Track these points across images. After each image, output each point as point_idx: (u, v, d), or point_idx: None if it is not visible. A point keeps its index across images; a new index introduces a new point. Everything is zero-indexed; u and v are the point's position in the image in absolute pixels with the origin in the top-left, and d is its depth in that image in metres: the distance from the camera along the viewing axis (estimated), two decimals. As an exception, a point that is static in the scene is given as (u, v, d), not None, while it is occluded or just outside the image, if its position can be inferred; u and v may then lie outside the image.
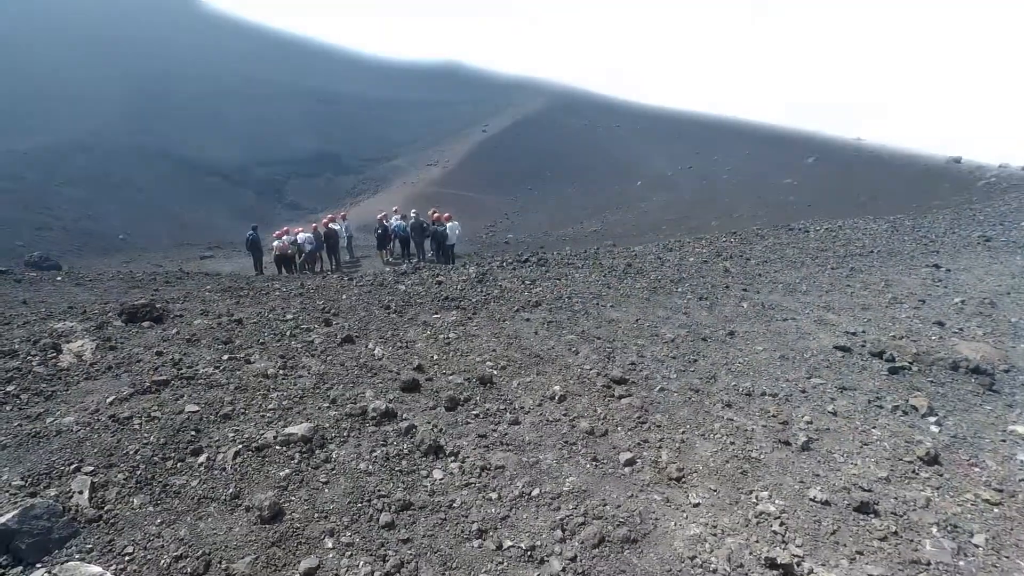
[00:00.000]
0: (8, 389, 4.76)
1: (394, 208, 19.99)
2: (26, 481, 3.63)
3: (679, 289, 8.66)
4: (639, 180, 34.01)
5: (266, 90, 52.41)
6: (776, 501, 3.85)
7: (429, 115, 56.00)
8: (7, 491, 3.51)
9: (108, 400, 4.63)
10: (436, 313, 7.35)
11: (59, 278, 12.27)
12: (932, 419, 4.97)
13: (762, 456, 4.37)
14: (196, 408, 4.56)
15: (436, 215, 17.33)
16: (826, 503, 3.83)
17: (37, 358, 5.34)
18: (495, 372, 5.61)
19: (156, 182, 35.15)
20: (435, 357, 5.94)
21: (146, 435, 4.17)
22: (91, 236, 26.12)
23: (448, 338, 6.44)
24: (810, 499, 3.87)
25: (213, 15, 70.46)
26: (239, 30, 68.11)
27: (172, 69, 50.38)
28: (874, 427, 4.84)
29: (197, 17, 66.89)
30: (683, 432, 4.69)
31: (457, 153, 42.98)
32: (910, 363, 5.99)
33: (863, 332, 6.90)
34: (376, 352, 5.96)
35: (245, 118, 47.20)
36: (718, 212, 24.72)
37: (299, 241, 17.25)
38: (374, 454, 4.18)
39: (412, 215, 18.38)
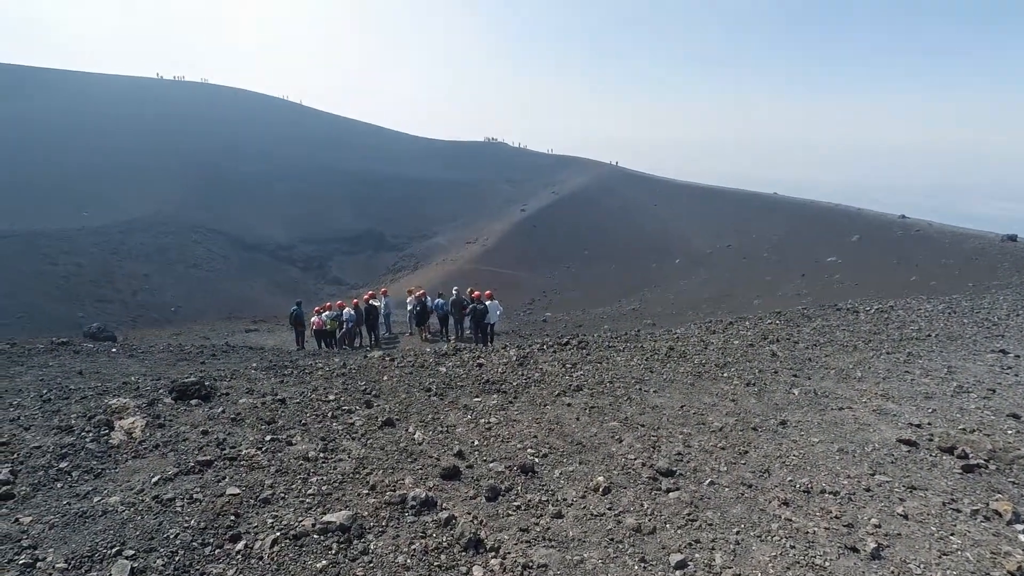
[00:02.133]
0: (62, 466, 4.87)
1: (410, 289, 20.40)
2: (69, 564, 3.62)
3: (725, 374, 8.38)
4: (677, 258, 34.01)
5: (312, 171, 55.91)
6: (849, 619, 3.49)
7: (468, 194, 58.36)
8: (50, 574, 3.50)
9: (153, 480, 4.67)
10: (477, 396, 7.29)
11: (114, 349, 12.80)
12: (1020, 527, 4.50)
13: (827, 563, 4.01)
14: (237, 491, 4.54)
15: (476, 293, 17.60)
16: (906, 624, 3.45)
17: (91, 435, 5.48)
18: (537, 460, 5.45)
19: (209, 258, 37.21)
20: (475, 443, 5.82)
21: (187, 518, 4.15)
22: (146, 308, 27.49)
23: (489, 423, 6.33)
24: (887, 618, 3.50)
25: (264, 101, 76.67)
26: (287, 115, 73.68)
27: (226, 152, 54.57)
28: (952, 534, 4.42)
29: (249, 103, 72.83)
30: (737, 532, 4.38)
31: (496, 231, 44.19)
32: (986, 460, 5.53)
33: (929, 424, 6.46)
34: (416, 436, 5.89)
35: (293, 198, 50.22)
36: (760, 291, 24.33)
37: (342, 317, 17.70)
38: (412, 547, 4.03)
39: (454, 292, 18.75)
